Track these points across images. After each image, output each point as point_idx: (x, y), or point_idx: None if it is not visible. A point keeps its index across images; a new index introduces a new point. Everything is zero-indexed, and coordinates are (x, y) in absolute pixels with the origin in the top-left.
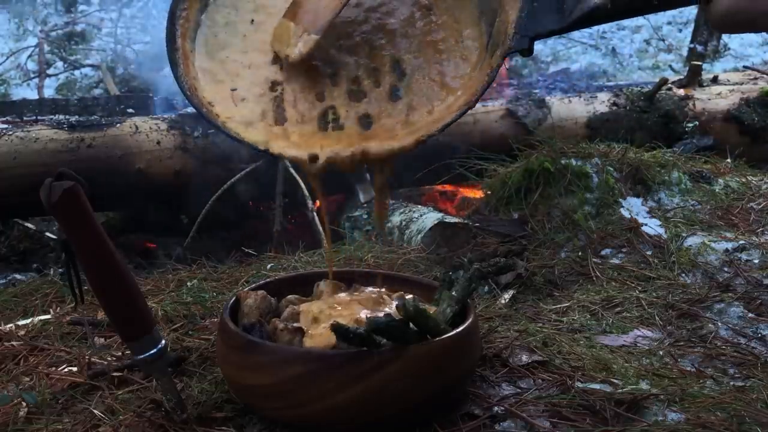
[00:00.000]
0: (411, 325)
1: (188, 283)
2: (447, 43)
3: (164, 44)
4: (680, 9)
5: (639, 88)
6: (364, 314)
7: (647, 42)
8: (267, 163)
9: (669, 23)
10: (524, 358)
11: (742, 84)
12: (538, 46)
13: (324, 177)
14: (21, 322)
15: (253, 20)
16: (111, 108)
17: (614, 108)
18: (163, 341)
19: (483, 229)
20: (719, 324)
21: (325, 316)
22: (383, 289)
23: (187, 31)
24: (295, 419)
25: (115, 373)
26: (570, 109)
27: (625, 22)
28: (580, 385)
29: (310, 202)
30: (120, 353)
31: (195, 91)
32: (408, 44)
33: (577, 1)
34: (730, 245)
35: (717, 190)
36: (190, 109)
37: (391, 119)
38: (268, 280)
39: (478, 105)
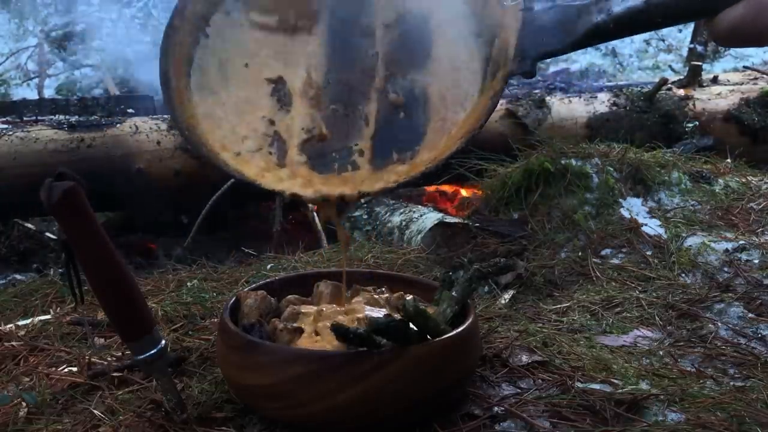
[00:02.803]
0: (411, 325)
1: (188, 283)
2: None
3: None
4: None
5: (639, 88)
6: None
7: (647, 42)
8: None
9: None
10: (524, 358)
11: (742, 84)
12: None
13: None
14: (21, 322)
15: (247, 64)
16: (111, 108)
17: (614, 108)
18: (163, 341)
19: (483, 229)
20: (719, 324)
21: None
22: (384, 289)
23: (181, 68)
24: (295, 419)
25: (115, 373)
26: (570, 109)
27: None
28: (580, 385)
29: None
30: (120, 353)
31: (193, 130)
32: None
33: (578, 20)
34: (730, 245)
35: (717, 190)
36: None
37: (390, 156)
38: (268, 280)
39: None
